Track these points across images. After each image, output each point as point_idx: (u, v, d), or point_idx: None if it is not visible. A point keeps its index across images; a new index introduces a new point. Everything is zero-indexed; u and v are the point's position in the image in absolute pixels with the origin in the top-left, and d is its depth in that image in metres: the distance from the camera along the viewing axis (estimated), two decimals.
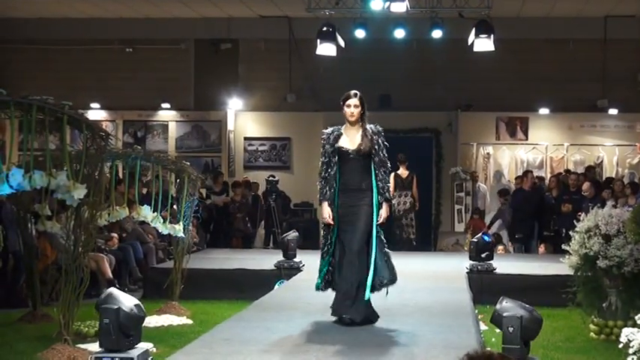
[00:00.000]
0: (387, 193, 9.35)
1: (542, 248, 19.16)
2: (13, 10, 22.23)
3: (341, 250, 9.36)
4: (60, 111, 8.78)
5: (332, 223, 9.33)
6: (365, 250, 9.27)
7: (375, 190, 9.33)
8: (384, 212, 9.29)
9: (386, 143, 9.48)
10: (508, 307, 7.55)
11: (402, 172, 19.30)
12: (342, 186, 9.36)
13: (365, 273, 9.18)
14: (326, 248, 9.48)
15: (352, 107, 9.46)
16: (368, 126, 9.47)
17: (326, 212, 9.37)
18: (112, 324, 7.44)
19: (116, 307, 7.44)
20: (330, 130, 9.54)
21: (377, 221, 9.27)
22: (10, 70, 22.86)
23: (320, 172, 9.45)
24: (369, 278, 9.19)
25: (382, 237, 9.45)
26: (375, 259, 9.26)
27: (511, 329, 7.38)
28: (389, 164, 9.51)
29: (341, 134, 9.47)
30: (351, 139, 9.42)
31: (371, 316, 9.34)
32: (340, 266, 9.33)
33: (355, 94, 9.48)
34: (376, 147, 9.36)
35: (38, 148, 8.99)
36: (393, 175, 20.00)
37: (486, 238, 14.58)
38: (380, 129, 9.52)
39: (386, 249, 9.47)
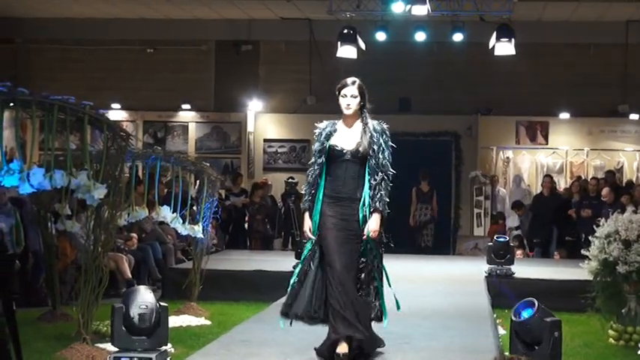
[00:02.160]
0: (379, 203, 7.75)
1: (557, 255, 19.10)
2: (36, 11, 22.31)
3: (324, 276, 7.79)
4: (81, 111, 8.81)
5: (312, 237, 7.83)
6: (355, 270, 7.81)
7: (366, 197, 7.80)
8: (372, 223, 7.72)
9: (391, 144, 7.98)
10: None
11: (424, 186, 20.57)
12: (332, 193, 7.84)
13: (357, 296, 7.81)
14: (299, 267, 7.94)
15: (349, 97, 7.93)
16: (370, 122, 7.97)
17: (306, 225, 7.89)
18: (121, 322, 7.50)
19: (128, 305, 7.49)
20: (324, 124, 8.10)
21: (365, 235, 7.74)
22: (32, 69, 22.95)
23: (307, 174, 8.05)
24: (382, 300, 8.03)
25: (380, 263, 8.02)
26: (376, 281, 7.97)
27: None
28: (390, 169, 7.94)
29: (335, 130, 7.99)
30: (347, 137, 7.92)
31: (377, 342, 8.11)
32: (324, 292, 7.78)
33: (353, 82, 8.00)
34: (375, 147, 7.84)
35: (59, 147, 9.02)
36: (414, 189, 20.26)
37: (502, 239, 14.57)
38: (385, 127, 7.99)
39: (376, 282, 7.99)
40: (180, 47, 23.11)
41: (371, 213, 7.77)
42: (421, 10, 17.74)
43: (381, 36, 19.48)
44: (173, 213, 11.85)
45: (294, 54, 22.85)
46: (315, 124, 8.08)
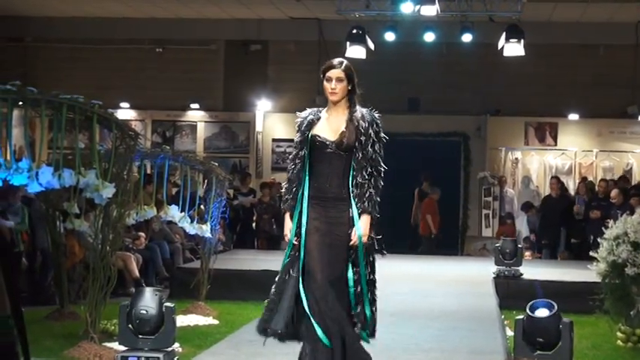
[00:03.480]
0: (367, 203, 6.73)
1: (561, 256, 19.08)
2: (45, 10, 22.34)
3: (305, 286, 6.71)
4: (90, 110, 8.82)
5: (295, 242, 6.79)
6: (342, 282, 6.73)
7: (351, 197, 6.76)
8: (362, 225, 6.69)
9: (383, 136, 6.95)
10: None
11: (425, 187, 21.09)
12: (316, 192, 6.79)
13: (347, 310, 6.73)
14: (281, 277, 6.92)
15: (334, 81, 6.86)
16: (359, 110, 6.92)
17: (287, 227, 6.91)
18: (128, 322, 7.53)
19: (134, 305, 7.52)
20: (306, 112, 7.03)
21: (360, 240, 6.70)
22: (41, 68, 22.98)
23: (287, 171, 7.02)
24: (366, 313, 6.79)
25: (373, 274, 6.89)
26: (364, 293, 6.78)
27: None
28: (382, 164, 6.91)
29: (319, 118, 6.93)
30: (331, 127, 6.86)
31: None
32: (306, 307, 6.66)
33: (340, 63, 6.93)
34: (362, 139, 6.77)
35: (67, 146, 9.03)
36: (417, 190, 20.39)
37: (510, 240, 14.57)
38: (376, 116, 6.94)
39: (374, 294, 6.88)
40: (189, 47, 23.11)
41: (359, 215, 6.72)
42: (430, 11, 17.73)
43: (390, 36, 19.46)
44: (181, 212, 11.86)
45: (303, 54, 22.84)
46: (297, 113, 7.09)
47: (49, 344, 9.50)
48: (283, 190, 7.05)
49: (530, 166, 22.46)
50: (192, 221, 12.11)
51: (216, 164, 13.07)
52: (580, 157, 22.32)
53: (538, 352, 7.59)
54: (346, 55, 19.41)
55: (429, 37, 19.77)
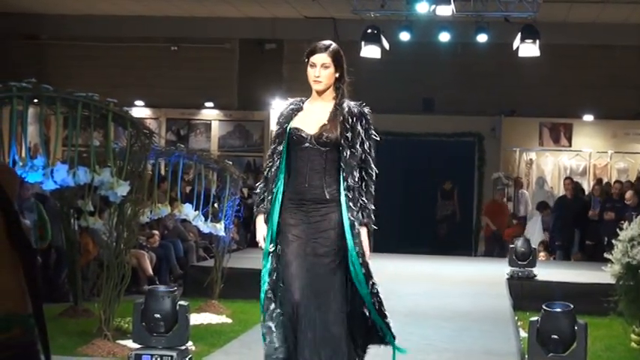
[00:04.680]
0: (362, 212, 5.94)
1: (574, 257, 19.05)
2: (60, 8, 22.39)
3: (286, 302, 5.89)
4: (105, 108, 8.84)
5: (270, 249, 6.04)
6: (329, 306, 5.81)
7: (343, 203, 5.90)
8: (363, 240, 5.89)
9: (374, 134, 6.11)
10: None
11: (447, 185, 21.65)
12: (293, 194, 5.98)
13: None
14: (267, 298, 6.02)
15: (318, 67, 6.07)
16: (347, 102, 6.10)
17: (260, 233, 6.10)
18: (142, 320, 7.55)
19: (148, 303, 7.54)
20: (288, 102, 6.25)
21: (356, 257, 5.82)
22: (55, 66, 23.02)
23: (263, 168, 6.27)
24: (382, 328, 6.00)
25: (377, 288, 5.95)
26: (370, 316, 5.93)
27: None
28: (373, 167, 6.07)
29: (300, 109, 6.13)
30: (313, 119, 6.05)
31: None
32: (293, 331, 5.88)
33: (326, 47, 6.11)
34: (349, 135, 5.95)
35: (82, 144, 9.05)
36: (440, 189, 20.66)
37: (524, 241, 14.53)
38: (365, 110, 6.11)
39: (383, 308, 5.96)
40: (203, 45, 23.13)
41: (352, 225, 5.90)
42: (446, 11, 17.71)
43: (405, 36, 19.44)
44: (195, 211, 11.88)
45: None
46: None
47: (63, 341, 9.51)
48: (257, 190, 6.19)
49: (544, 167, 22.42)
50: (206, 220, 12.13)
51: (231, 163, 13.08)
52: (595, 158, 22.26)
53: (552, 353, 7.56)
54: (361, 54, 19.43)
55: (444, 37, 19.74)
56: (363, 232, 5.92)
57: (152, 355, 7.48)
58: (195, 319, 11.33)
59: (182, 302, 7.77)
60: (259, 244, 6.12)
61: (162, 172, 13.80)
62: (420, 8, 17.90)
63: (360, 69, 22.98)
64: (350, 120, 5.98)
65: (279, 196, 5.98)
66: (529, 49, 18.77)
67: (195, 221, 11.96)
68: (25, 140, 8.46)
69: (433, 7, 17.73)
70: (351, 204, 5.89)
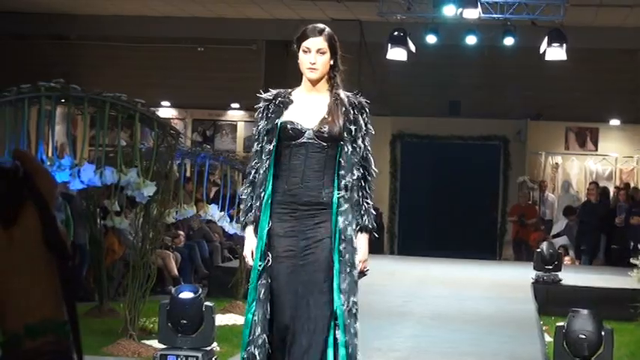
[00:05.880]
0: (366, 217, 5.32)
1: (597, 262, 18.98)
2: (89, 8, 22.49)
3: (274, 329, 5.23)
4: (133, 108, 8.88)
5: (251, 264, 5.28)
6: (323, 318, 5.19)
7: (334, 203, 5.21)
8: (362, 251, 5.31)
9: (371, 128, 5.56)
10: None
11: None
12: (286, 197, 5.26)
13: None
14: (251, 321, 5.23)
15: (313, 53, 5.47)
16: (343, 93, 5.50)
17: (249, 246, 5.34)
18: (168, 320, 7.58)
19: (174, 303, 7.57)
20: (270, 94, 5.52)
21: (353, 269, 5.16)
22: (83, 66, 23.11)
23: (247, 171, 5.50)
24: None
25: (356, 308, 5.21)
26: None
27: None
28: (373, 166, 5.52)
29: (290, 102, 5.43)
30: (308, 111, 5.38)
31: None
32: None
33: (320, 31, 5.54)
34: (353, 128, 5.35)
35: (109, 144, 9.09)
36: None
37: (550, 245, 14.48)
38: (363, 101, 5.54)
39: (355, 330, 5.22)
40: (230, 46, 23.17)
41: (355, 232, 5.22)
42: (472, 14, 17.69)
43: (431, 39, 19.42)
44: (221, 211, 11.92)
45: (343, 55, 22.82)
46: (259, 95, 5.62)
47: (88, 341, 9.54)
48: (243, 196, 5.43)
49: (570, 171, 22.34)
50: (231, 220, 12.16)
51: None
52: (621, 162, 22.16)
53: (578, 359, 7.54)
54: (387, 57, 19.43)
55: (471, 40, 19.71)
56: (363, 238, 5.32)
57: (177, 356, 7.51)
58: (220, 319, 11.36)
59: (208, 303, 7.79)
60: (246, 260, 5.35)
61: (188, 172, 13.86)
62: (447, 11, 17.87)
63: (387, 71, 23.22)
64: (352, 112, 5.39)
65: (269, 202, 5.22)
66: (556, 53, 18.73)
67: (220, 222, 12.00)
68: (52, 140, 8.50)
69: (460, 10, 17.70)
70: (346, 206, 5.18)
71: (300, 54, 5.48)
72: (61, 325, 1.20)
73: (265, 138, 5.31)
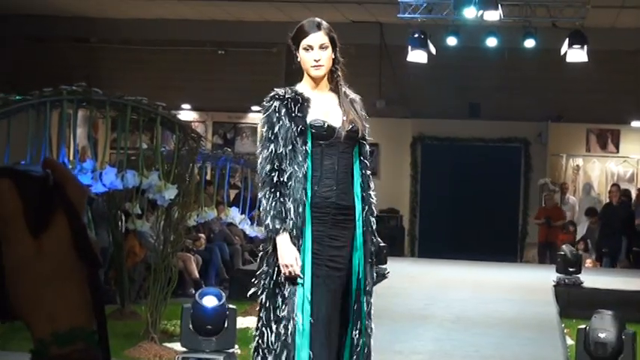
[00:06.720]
0: (375, 237, 5.15)
1: (619, 265, 18.92)
2: (110, 11, 22.58)
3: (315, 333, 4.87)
4: (154, 112, 8.91)
5: (300, 275, 4.84)
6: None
7: (359, 212, 5.04)
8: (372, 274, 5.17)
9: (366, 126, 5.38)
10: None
11: None
12: (319, 199, 4.98)
13: None
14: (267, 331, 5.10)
15: (316, 49, 5.25)
16: (344, 89, 5.29)
17: (292, 254, 4.85)
18: (190, 323, 7.60)
19: (196, 306, 7.59)
20: (281, 91, 5.20)
21: (363, 282, 5.00)
22: (104, 69, 23.20)
23: (263, 174, 4.98)
24: None
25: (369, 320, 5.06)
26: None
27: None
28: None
29: (307, 100, 5.11)
30: (325, 110, 5.14)
31: None
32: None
33: (319, 25, 5.41)
34: (367, 126, 5.29)
35: (131, 147, 9.12)
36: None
37: (572, 248, 14.43)
38: (358, 97, 5.38)
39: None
40: (250, 49, 23.21)
41: (365, 238, 5.04)
42: (493, 16, 17.66)
43: (451, 41, 19.40)
44: (241, 214, 11.94)
45: (364, 57, 22.80)
46: (267, 97, 5.25)
47: (110, 343, 9.57)
48: (267, 200, 4.92)
49: (591, 173, 22.27)
50: (252, 223, 12.18)
51: None
52: None
53: None
54: (408, 59, 19.41)
55: (492, 42, 19.68)
56: (372, 267, 5.10)
57: (199, 359, 7.52)
58: (241, 322, 11.36)
59: (231, 306, 7.81)
60: (286, 271, 4.82)
61: (209, 175, 13.88)
62: (468, 13, 17.84)
63: (407, 73, 23.21)
64: (358, 109, 5.24)
65: (309, 206, 4.89)
66: (577, 55, 18.68)
67: (241, 225, 12.04)
68: (74, 143, 8.54)
69: (480, 12, 17.67)
70: (366, 207, 5.02)
71: (302, 52, 5.27)
72: (90, 334, 1.21)
73: (298, 139, 4.94)
